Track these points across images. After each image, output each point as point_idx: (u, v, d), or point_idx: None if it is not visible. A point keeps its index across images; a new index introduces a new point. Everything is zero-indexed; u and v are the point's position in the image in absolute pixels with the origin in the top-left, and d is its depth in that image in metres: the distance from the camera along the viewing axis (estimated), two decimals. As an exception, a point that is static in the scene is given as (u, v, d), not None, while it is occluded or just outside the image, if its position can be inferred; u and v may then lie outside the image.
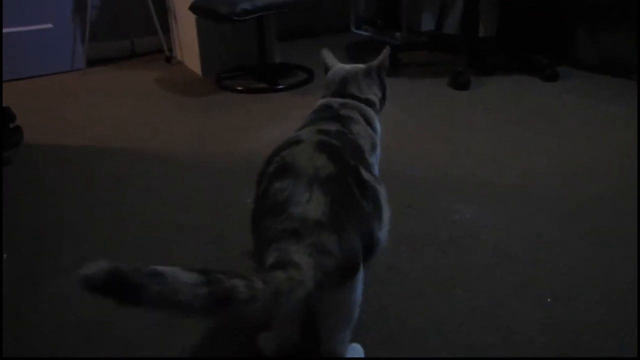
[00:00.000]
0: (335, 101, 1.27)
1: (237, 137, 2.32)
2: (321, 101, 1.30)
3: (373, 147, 1.22)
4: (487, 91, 2.80)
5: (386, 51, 1.32)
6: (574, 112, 2.49)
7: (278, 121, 2.47)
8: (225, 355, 1.17)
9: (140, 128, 2.48)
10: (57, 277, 1.43)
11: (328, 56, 1.39)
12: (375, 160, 1.22)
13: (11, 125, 2.25)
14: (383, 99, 1.34)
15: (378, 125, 1.28)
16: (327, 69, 1.37)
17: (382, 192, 1.08)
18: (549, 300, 1.29)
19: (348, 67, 1.35)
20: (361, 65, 1.33)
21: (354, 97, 1.28)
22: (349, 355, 1.08)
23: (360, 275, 0.96)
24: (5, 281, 1.41)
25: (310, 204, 0.91)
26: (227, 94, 2.92)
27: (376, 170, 1.21)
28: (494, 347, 1.16)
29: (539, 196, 1.77)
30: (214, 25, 2.97)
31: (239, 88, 2.95)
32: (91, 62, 3.45)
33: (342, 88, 1.30)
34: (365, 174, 1.04)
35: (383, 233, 1.05)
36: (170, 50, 3.63)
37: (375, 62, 1.32)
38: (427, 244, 1.52)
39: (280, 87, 2.94)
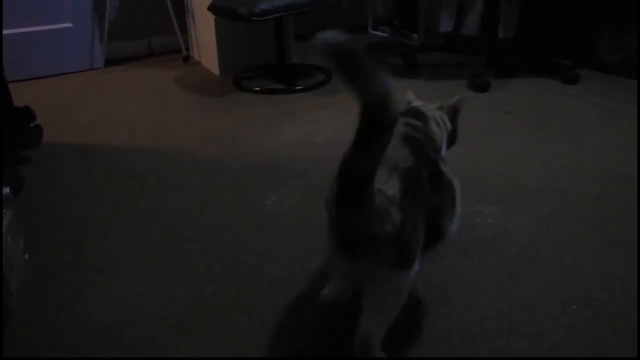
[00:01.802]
0: (417, 103, 1.37)
1: (255, 138, 2.32)
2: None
3: (442, 147, 1.29)
4: (507, 93, 2.77)
5: (461, 97, 1.38)
6: (595, 115, 2.46)
7: (297, 122, 2.46)
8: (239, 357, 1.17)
9: (157, 127, 2.48)
10: (78, 274, 1.44)
11: (411, 94, 1.43)
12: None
13: (31, 125, 2.27)
14: (453, 135, 1.37)
15: (443, 153, 1.31)
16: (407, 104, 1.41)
17: (457, 186, 1.16)
18: (574, 307, 1.27)
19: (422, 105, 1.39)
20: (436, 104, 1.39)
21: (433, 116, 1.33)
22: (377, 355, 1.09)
23: (413, 270, 1.02)
24: (27, 280, 1.41)
25: (387, 185, 0.99)
26: (245, 94, 2.91)
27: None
28: (520, 353, 1.14)
29: (562, 199, 1.74)
30: (232, 25, 2.97)
31: (257, 88, 2.95)
32: (109, 61, 3.46)
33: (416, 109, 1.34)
34: (444, 167, 1.14)
35: (454, 226, 1.15)
36: (188, 49, 3.64)
37: (449, 102, 1.38)
38: (450, 247, 1.50)
39: (299, 87, 2.93)
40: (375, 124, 0.84)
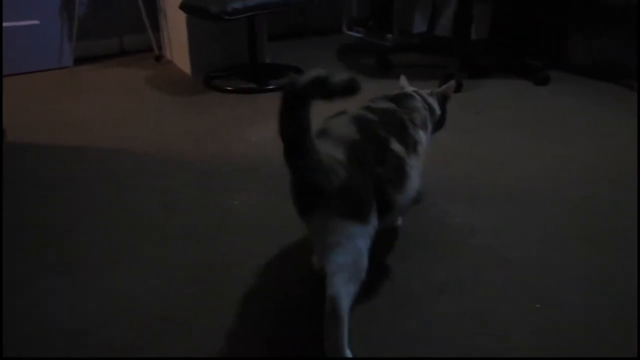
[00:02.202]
0: (408, 87, 1.55)
1: (226, 137, 2.29)
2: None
3: (424, 123, 1.42)
4: (479, 94, 2.78)
5: (452, 82, 1.58)
6: (565, 116, 2.48)
7: (267, 121, 2.43)
8: (210, 361, 1.14)
9: (127, 127, 2.44)
10: (39, 278, 1.40)
11: (404, 80, 1.63)
12: (425, 135, 1.41)
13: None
14: (441, 120, 1.54)
15: (430, 127, 1.47)
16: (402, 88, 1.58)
17: (414, 163, 1.28)
18: (538, 306, 1.27)
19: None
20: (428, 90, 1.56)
21: (421, 98, 1.49)
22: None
23: (368, 226, 1.11)
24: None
25: (333, 152, 1.10)
26: (216, 94, 2.88)
27: (423, 144, 1.38)
28: (485, 353, 1.14)
29: (532, 199, 1.75)
30: (204, 24, 2.94)
31: (229, 88, 2.92)
32: (79, 60, 3.39)
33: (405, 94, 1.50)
34: (396, 146, 1.23)
35: (404, 198, 1.24)
36: (160, 48, 3.59)
37: (439, 88, 1.57)
38: (419, 248, 1.50)
39: (271, 87, 2.91)
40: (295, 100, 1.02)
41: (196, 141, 2.27)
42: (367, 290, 1.31)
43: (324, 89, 0.99)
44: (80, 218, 1.69)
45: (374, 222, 1.13)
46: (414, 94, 1.48)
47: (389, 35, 3.83)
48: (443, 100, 1.56)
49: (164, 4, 3.41)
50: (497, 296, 1.31)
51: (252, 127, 2.37)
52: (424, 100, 1.49)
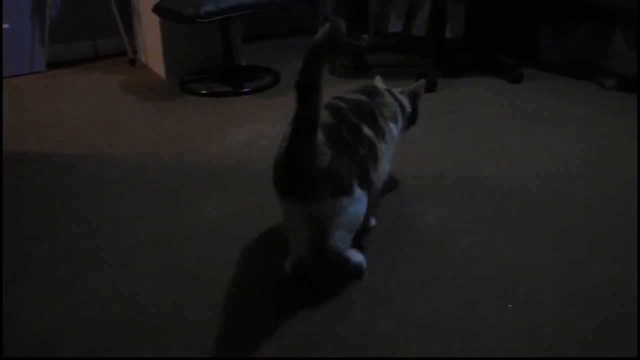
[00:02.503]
0: (380, 85, 1.63)
1: (200, 142, 2.27)
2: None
3: (394, 116, 1.52)
4: (453, 93, 2.80)
5: (422, 81, 1.69)
6: (540, 114, 2.50)
7: (243, 124, 2.42)
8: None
9: (101, 132, 2.41)
10: (9, 286, 1.37)
11: (379, 80, 1.73)
12: (395, 127, 1.52)
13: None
14: (413, 116, 1.65)
15: (401, 121, 1.57)
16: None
17: (384, 149, 1.39)
18: (510, 306, 1.27)
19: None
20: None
21: (393, 95, 1.59)
22: (351, 256, 1.30)
23: (357, 195, 1.22)
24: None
25: None
26: (192, 98, 2.86)
27: (393, 135, 1.49)
28: (458, 354, 1.14)
29: (506, 198, 1.76)
30: (178, 27, 2.92)
31: (204, 91, 2.90)
32: (52, 65, 3.35)
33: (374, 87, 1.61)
34: (367, 130, 1.34)
35: (379, 179, 1.38)
36: (135, 52, 3.56)
37: (410, 87, 1.67)
38: (393, 249, 1.50)
39: (246, 90, 2.90)
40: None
41: (170, 146, 2.25)
42: (341, 292, 1.32)
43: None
44: (52, 224, 1.66)
45: (358, 191, 1.23)
46: (384, 91, 1.57)
47: (365, 36, 3.84)
48: (414, 97, 1.66)
49: (137, 6, 3.38)
50: (470, 296, 1.31)
51: (225, 131, 2.36)
52: (395, 97, 1.58)
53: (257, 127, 2.39)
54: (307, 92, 1.09)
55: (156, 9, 2.82)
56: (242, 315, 1.27)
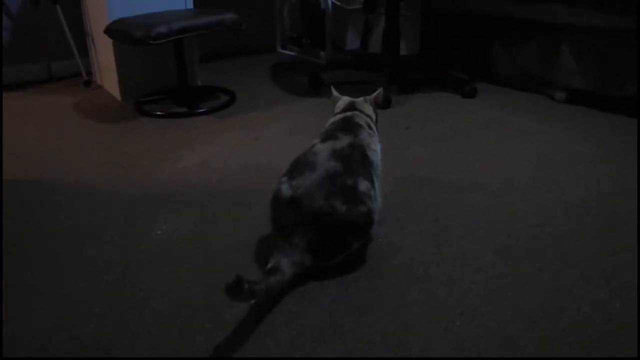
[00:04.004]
0: (350, 113, 1.71)
1: (152, 164, 2.25)
2: (338, 116, 1.71)
3: (374, 138, 1.68)
4: (408, 109, 2.83)
5: (380, 90, 1.82)
6: (490, 127, 2.55)
7: (197, 146, 2.41)
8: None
9: (53, 157, 2.37)
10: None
11: (335, 92, 1.84)
12: (378, 142, 1.69)
13: None
14: (376, 122, 1.77)
15: (376, 131, 1.73)
16: (335, 99, 1.81)
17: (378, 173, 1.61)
18: (458, 323, 1.28)
19: (351, 98, 1.80)
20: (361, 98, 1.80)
21: (360, 112, 1.72)
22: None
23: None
24: None
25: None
26: (147, 119, 2.83)
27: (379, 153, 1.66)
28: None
29: (459, 213, 1.78)
30: (132, 48, 2.89)
31: (159, 113, 2.87)
32: (5, 87, 3.28)
33: (351, 106, 1.74)
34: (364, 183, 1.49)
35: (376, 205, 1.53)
36: (89, 74, 3.51)
37: (371, 96, 1.80)
38: (337, 270, 1.49)
39: (201, 110, 2.88)
40: None
41: (123, 169, 2.22)
42: (288, 318, 1.31)
43: None
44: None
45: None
46: (359, 116, 1.69)
47: (322, 53, 3.87)
48: (375, 105, 1.82)
49: (91, 28, 3.34)
50: (417, 314, 1.32)
51: (178, 153, 2.34)
52: (363, 112, 1.72)
53: (211, 147, 2.38)
54: None
55: (108, 31, 2.79)
56: (181, 348, 1.25)
